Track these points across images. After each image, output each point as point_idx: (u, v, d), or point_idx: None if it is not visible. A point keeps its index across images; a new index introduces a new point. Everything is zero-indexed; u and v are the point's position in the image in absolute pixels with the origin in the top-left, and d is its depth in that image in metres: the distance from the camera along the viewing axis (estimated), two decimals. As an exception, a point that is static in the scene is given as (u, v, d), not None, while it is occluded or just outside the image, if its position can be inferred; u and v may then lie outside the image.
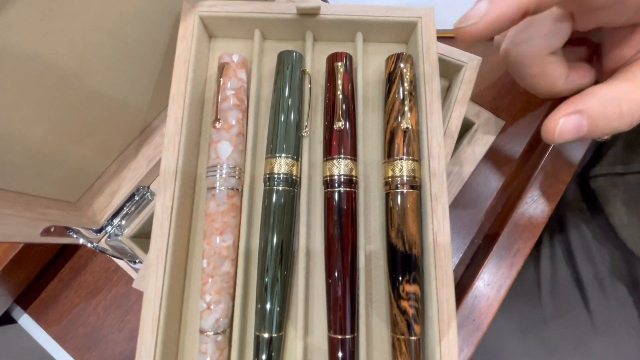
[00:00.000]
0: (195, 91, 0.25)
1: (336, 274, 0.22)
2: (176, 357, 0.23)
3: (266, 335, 0.21)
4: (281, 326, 0.22)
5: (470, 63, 0.30)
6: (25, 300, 0.40)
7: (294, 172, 0.24)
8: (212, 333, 0.21)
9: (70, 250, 0.41)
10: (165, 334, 0.21)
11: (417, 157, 0.23)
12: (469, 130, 0.34)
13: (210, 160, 0.24)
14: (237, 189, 0.24)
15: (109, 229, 0.32)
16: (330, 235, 0.23)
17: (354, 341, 0.21)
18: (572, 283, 0.41)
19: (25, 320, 0.39)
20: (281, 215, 0.23)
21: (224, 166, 0.23)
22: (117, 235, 0.33)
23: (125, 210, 0.33)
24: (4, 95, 0.21)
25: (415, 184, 0.23)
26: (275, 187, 0.23)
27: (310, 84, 0.26)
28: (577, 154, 0.37)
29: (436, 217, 0.22)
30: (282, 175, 0.23)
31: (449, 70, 0.31)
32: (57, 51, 0.22)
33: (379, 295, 0.24)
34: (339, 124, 0.23)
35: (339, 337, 0.21)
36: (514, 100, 0.40)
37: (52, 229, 0.26)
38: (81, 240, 0.29)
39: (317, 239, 0.25)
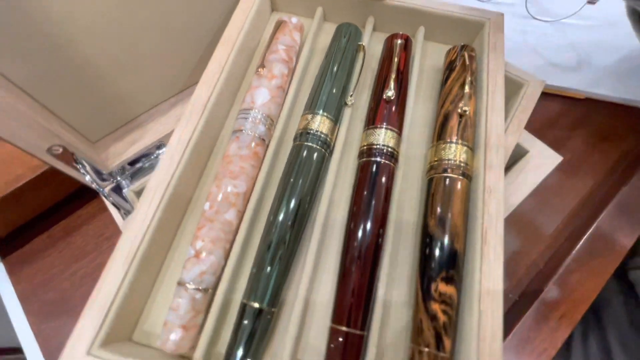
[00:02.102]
0: (246, 43, 0.24)
1: (356, 252, 0.18)
2: (141, 309, 0.19)
3: (256, 305, 0.17)
4: (275, 301, 0.17)
5: (533, 82, 0.28)
6: (5, 248, 0.37)
7: (330, 135, 0.21)
8: (192, 287, 0.17)
9: (70, 207, 0.38)
10: (136, 275, 0.17)
11: (471, 145, 0.20)
12: (520, 159, 0.31)
13: (244, 103, 0.22)
14: (264, 140, 0.21)
15: (118, 177, 0.30)
16: (357, 207, 0.19)
17: (362, 340, 0.17)
18: None
19: (-2, 270, 0.36)
20: (305, 173, 0.20)
21: (257, 111, 0.21)
22: (122, 188, 0.30)
23: (140, 164, 0.31)
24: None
25: (467, 172, 0.20)
26: (306, 143, 0.20)
27: (364, 60, 0.25)
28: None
29: (487, 212, 0.18)
30: (317, 133, 0.21)
31: (506, 88, 0.29)
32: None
33: (401, 292, 0.19)
34: (389, 94, 0.21)
35: (344, 329, 0.16)
36: (574, 137, 0.37)
37: (60, 150, 0.24)
38: (87, 178, 0.27)
39: (339, 211, 0.21)
